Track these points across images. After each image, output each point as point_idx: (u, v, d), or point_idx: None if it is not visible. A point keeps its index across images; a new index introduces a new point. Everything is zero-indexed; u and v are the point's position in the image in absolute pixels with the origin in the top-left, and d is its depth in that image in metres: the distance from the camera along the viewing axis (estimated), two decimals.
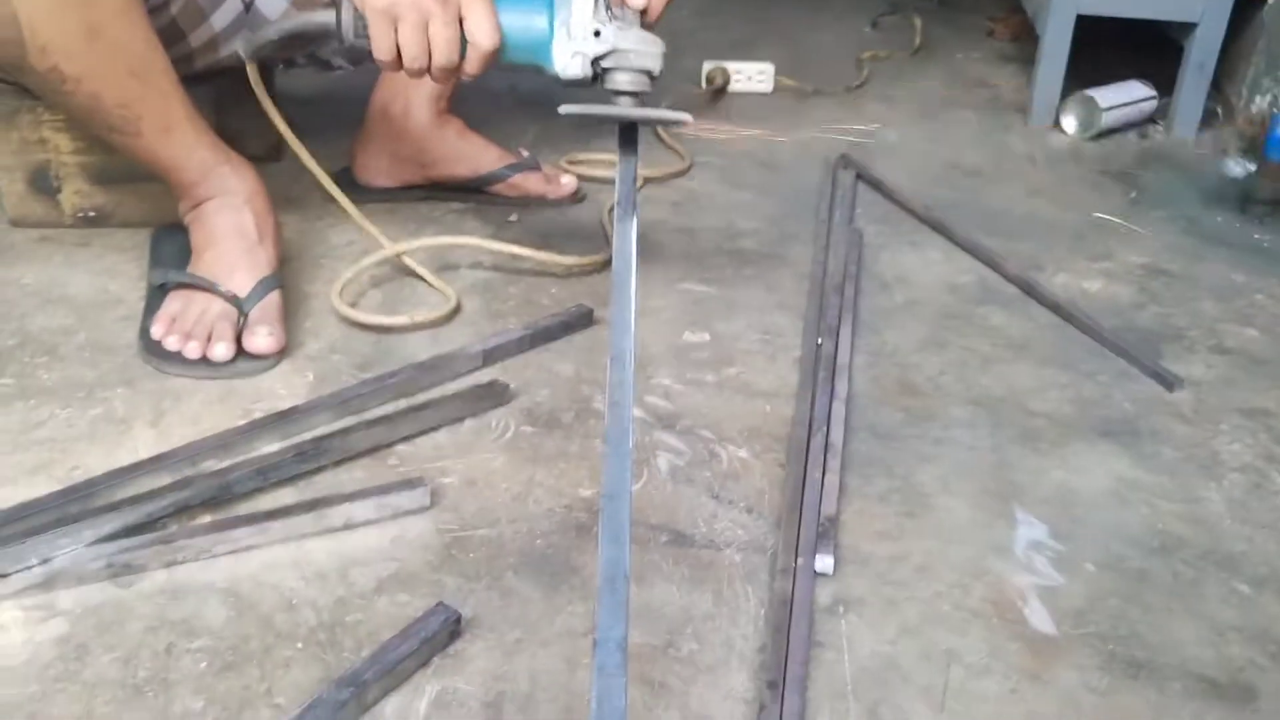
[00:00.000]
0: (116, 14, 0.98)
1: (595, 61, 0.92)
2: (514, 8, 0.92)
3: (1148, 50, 1.90)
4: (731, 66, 1.88)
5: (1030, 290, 1.23)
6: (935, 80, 2.02)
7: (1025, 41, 2.24)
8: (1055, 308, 1.19)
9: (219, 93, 1.37)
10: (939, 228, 1.37)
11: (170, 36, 1.14)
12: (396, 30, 0.91)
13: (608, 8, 0.92)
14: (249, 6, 1.23)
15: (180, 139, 1.06)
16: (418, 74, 0.94)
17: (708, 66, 1.88)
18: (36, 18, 0.94)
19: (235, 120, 1.44)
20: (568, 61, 0.92)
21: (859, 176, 1.52)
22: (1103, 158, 1.67)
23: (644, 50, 0.92)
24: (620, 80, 0.92)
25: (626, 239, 0.84)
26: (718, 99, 1.85)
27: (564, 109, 0.89)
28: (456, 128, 1.39)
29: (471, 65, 0.93)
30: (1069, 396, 1.05)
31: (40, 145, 1.26)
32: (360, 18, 0.93)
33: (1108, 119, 1.71)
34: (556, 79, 0.94)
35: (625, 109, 0.93)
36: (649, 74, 0.92)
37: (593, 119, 0.93)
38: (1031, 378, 1.08)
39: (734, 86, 1.88)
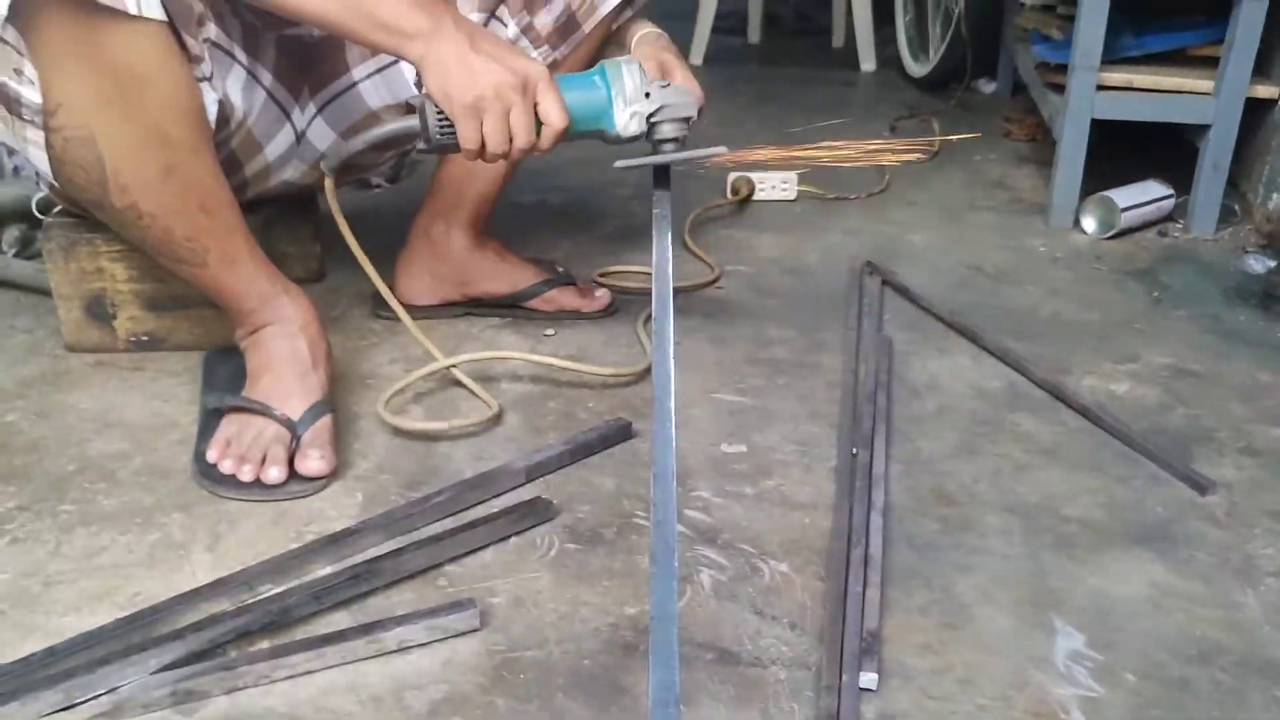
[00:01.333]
0: (190, 152, 1.04)
1: (648, 118, 1.06)
2: (575, 86, 1.05)
3: (1163, 149, 1.95)
4: (756, 176, 1.93)
5: (1059, 394, 1.25)
6: (955, 183, 2.07)
7: (1041, 142, 2.30)
8: (1084, 412, 1.21)
9: (267, 218, 1.43)
10: (966, 333, 1.40)
11: (228, 168, 1.20)
12: (481, 123, 0.99)
13: (644, 72, 1.07)
14: (300, 137, 1.29)
15: (242, 270, 1.12)
16: (498, 158, 1.03)
17: (733, 177, 1.94)
18: (119, 159, 1.00)
19: (281, 243, 1.50)
20: (627, 122, 1.06)
21: (885, 282, 1.55)
22: (1124, 257, 1.70)
23: (685, 102, 1.07)
24: (666, 130, 1.07)
25: (664, 253, 1.01)
26: (743, 208, 1.91)
27: (620, 164, 1.07)
28: (495, 248, 1.44)
29: (545, 143, 1.03)
30: (1102, 502, 1.07)
31: (97, 274, 1.32)
32: (442, 116, 1.01)
33: (1126, 218, 1.75)
34: (617, 139, 1.07)
35: (673, 154, 1.08)
36: (688, 120, 1.08)
37: (646, 167, 1.08)
38: (1064, 483, 1.10)
39: (759, 195, 1.93)
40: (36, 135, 0.98)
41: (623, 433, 1.16)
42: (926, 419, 1.21)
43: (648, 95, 1.06)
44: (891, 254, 1.69)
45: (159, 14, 0.95)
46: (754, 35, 3.73)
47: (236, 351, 1.19)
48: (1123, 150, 1.91)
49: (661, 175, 1.09)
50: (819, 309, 1.49)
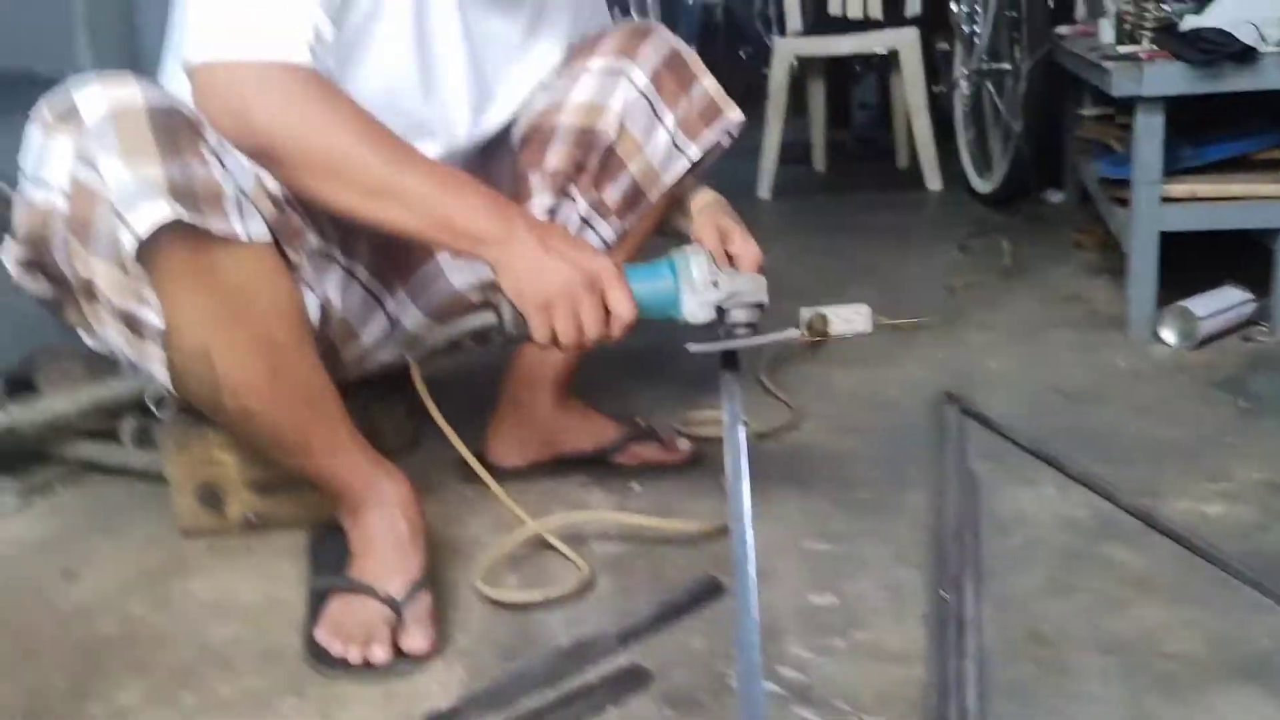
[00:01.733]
0: (294, 353, 1.12)
1: (717, 306, 1.09)
2: (644, 278, 1.08)
3: (1237, 251, 1.94)
4: (829, 311, 1.96)
5: (1150, 521, 1.24)
6: (1029, 300, 2.08)
7: (1114, 251, 2.30)
8: (1177, 538, 1.20)
9: (364, 396, 1.51)
10: (1050, 461, 1.40)
11: (327, 358, 1.28)
12: (552, 319, 1.03)
13: (713, 261, 1.09)
14: (393, 323, 1.37)
15: (345, 457, 1.18)
16: (571, 350, 1.08)
17: (806, 314, 1.96)
18: (231, 368, 1.08)
19: (376, 416, 1.58)
20: (696, 310, 1.09)
21: (965, 412, 1.56)
22: (1208, 367, 1.69)
23: (754, 288, 1.10)
24: (739, 316, 1.10)
25: (737, 457, 1.03)
26: (818, 345, 1.94)
27: (693, 348, 1.09)
28: (578, 407, 1.50)
29: (616, 333, 1.06)
30: (1202, 635, 1.05)
31: (209, 462, 1.40)
32: (518, 312, 1.05)
33: (1206, 327, 1.74)
34: (685, 325, 1.10)
35: (743, 340, 1.10)
36: (761, 306, 1.10)
37: (719, 353, 1.11)
38: (1161, 617, 1.08)
39: (833, 330, 1.96)
40: (158, 353, 1.07)
41: (712, 590, 1.18)
42: (1015, 555, 1.21)
43: (716, 284, 1.08)
44: (969, 381, 1.70)
45: (266, 237, 1.04)
46: (819, 163, 3.83)
47: (340, 529, 1.25)
48: (1196, 256, 1.91)
49: (730, 358, 1.11)
50: (901, 444, 1.51)
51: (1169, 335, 1.78)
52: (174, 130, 0.98)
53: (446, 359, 1.65)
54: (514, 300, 1.04)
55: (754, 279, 1.12)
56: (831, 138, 3.93)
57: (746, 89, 5.72)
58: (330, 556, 1.25)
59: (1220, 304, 1.77)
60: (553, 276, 1.01)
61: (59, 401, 1.61)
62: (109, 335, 1.09)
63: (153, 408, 1.45)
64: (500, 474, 1.48)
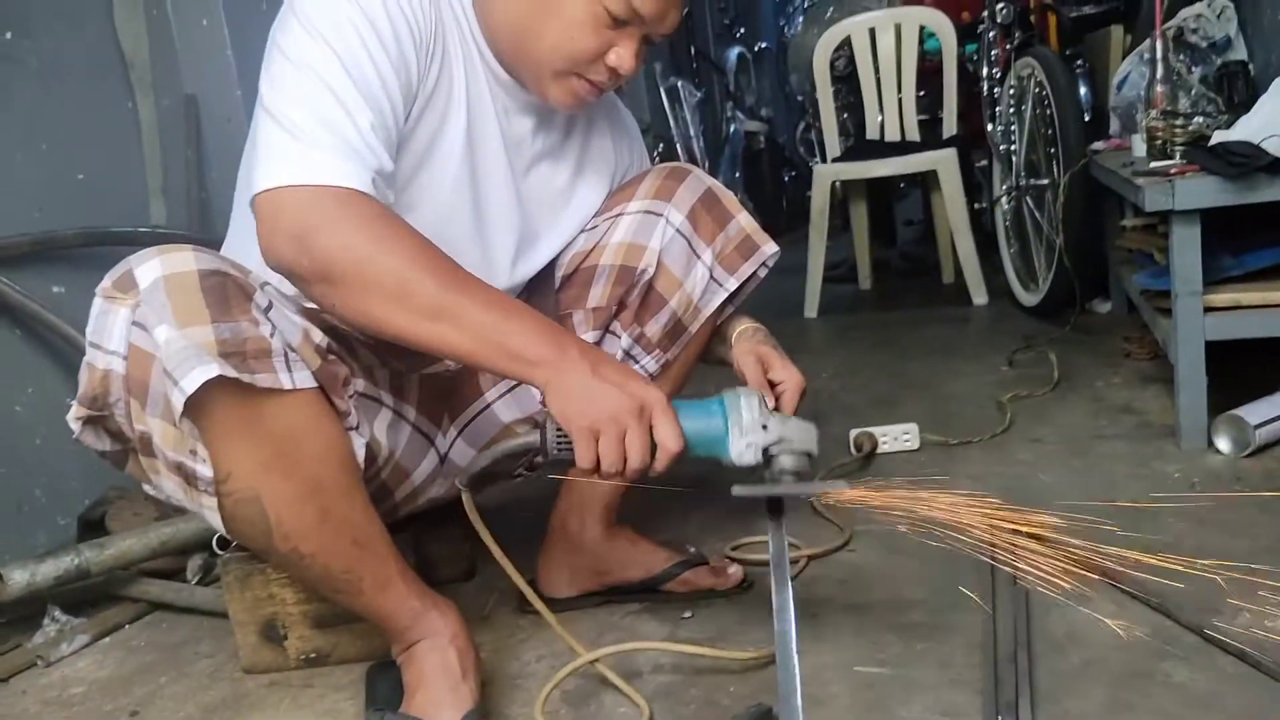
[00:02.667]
0: (342, 495, 1.16)
1: (764, 449, 1.07)
2: (693, 413, 1.07)
3: None
4: (878, 431, 1.98)
5: (1210, 638, 1.21)
6: (1080, 413, 2.07)
7: (1165, 359, 2.29)
8: (1241, 655, 1.17)
9: (417, 527, 1.55)
10: (1105, 575, 1.38)
11: (379, 496, 1.31)
12: (598, 442, 1.03)
13: (764, 404, 1.08)
14: (443, 460, 1.41)
15: (394, 592, 1.21)
16: (614, 477, 1.05)
17: (855, 433, 1.99)
18: (281, 512, 1.12)
19: (431, 547, 1.61)
20: (742, 451, 1.07)
21: (1017, 529, 1.55)
22: (1265, 475, 1.67)
23: (804, 436, 1.09)
24: (786, 463, 1.08)
25: (786, 616, 1.03)
26: (867, 463, 1.95)
27: (737, 491, 1.05)
28: (628, 535, 1.51)
29: (660, 465, 1.06)
30: None
31: (269, 600, 1.43)
32: (561, 434, 1.06)
33: (1262, 435, 1.72)
34: (731, 465, 1.08)
35: (789, 487, 1.08)
36: (809, 454, 1.09)
37: (764, 498, 1.09)
38: None
39: (882, 449, 1.98)
40: (210, 501, 1.11)
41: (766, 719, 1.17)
42: (1071, 676, 1.19)
43: (765, 427, 1.07)
44: (1021, 496, 1.67)
45: (310, 384, 1.09)
46: (864, 282, 3.87)
47: (395, 664, 1.26)
48: (1247, 360, 1.90)
49: (775, 505, 1.10)
50: (952, 564, 1.49)
51: (1223, 444, 1.77)
52: (224, 293, 1.04)
53: (495, 489, 1.69)
54: (561, 422, 1.04)
55: (804, 427, 1.10)
56: (876, 255, 3.98)
57: (791, 210, 5.88)
58: (386, 691, 1.26)
59: (1274, 410, 1.75)
60: (602, 401, 1.02)
61: (129, 542, 1.66)
62: (166, 485, 1.14)
63: (217, 547, 1.49)
64: (552, 604, 1.50)
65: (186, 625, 1.64)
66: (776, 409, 1.44)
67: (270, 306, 1.07)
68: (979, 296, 3.30)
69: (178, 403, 1.00)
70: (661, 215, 1.40)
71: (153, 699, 1.42)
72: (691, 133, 5.03)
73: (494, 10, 1.24)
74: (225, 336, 1.02)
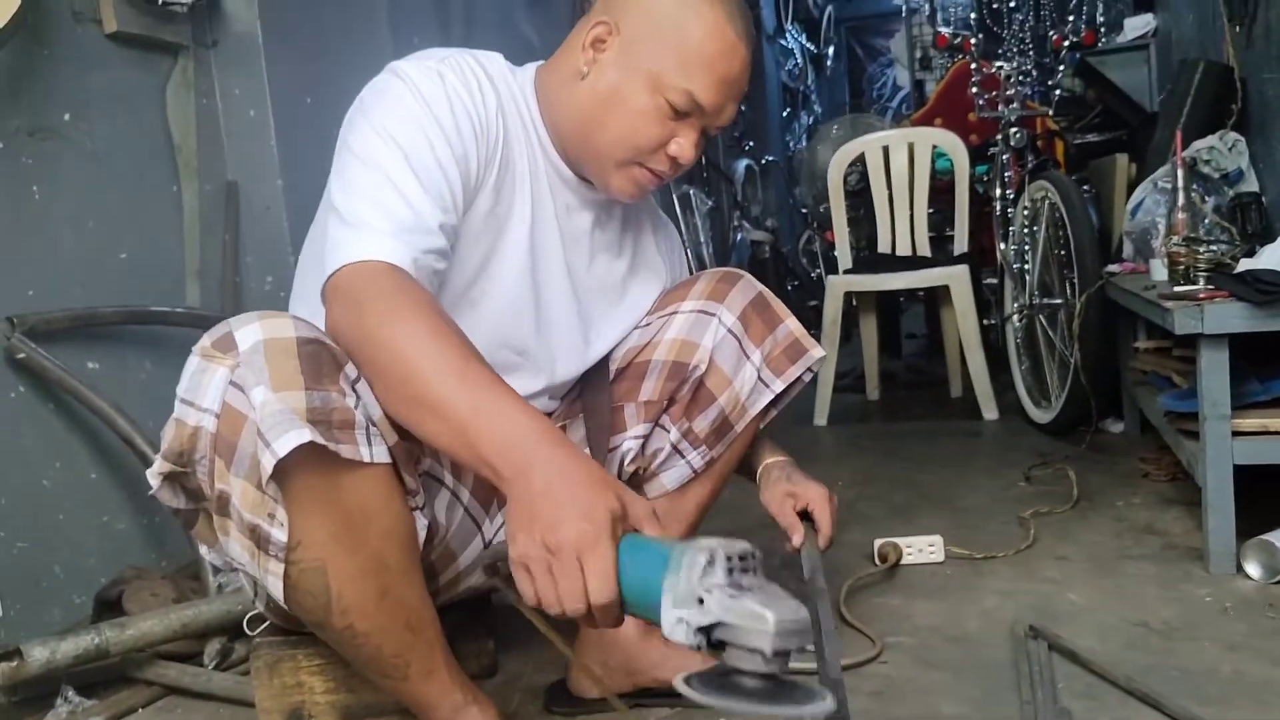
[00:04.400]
0: (402, 575, 1.15)
1: (705, 631, 0.81)
2: (634, 561, 0.88)
3: None
4: (902, 542, 1.98)
5: None
6: (1103, 533, 2.07)
7: (1184, 481, 2.30)
8: None
9: (449, 620, 1.53)
10: (1148, 700, 1.37)
11: (425, 578, 1.31)
12: (532, 579, 0.93)
13: (730, 571, 0.81)
14: (488, 545, 1.41)
15: (439, 682, 1.19)
16: (562, 618, 0.93)
17: (879, 543, 1.99)
18: (344, 585, 1.11)
19: (457, 641, 1.59)
20: (673, 627, 0.83)
21: (1052, 647, 1.54)
22: None
23: (755, 626, 0.78)
24: (734, 657, 0.79)
25: None
26: (892, 574, 1.94)
27: (679, 686, 0.80)
28: (661, 636, 1.49)
29: (598, 615, 0.91)
30: None
31: (297, 688, 1.40)
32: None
33: None
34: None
35: (739, 706, 0.78)
36: (760, 653, 0.78)
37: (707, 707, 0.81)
38: None
39: (907, 559, 1.97)
40: (277, 568, 1.11)
41: None
42: None
43: (701, 601, 0.80)
44: (1051, 614, 1.69)
45: (386, 459, 1.10)
46: (872, 392, 3.90)
47: None
48: (1271, 486, 1.91)
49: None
50: (989, 679, 1.48)
51: (1253, 569, 1.77)
52: (318, 361, 1.06)
53: None
54: (509, 547, 0.95)
55: (756, 615, 0.78)
56: (882, 366, 4.02)
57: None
58: None
59: None
60: (540, 533, 0.91)
61: (150, 623, 1.64)
62: (232, 548, 1.13)
63: (247, 629, 1.47)
64: (581, 704, 1.48)
65: (202, 712, 1.61)
66: (801, 548, 1.47)
67: (359, 379, 1.09)
68: (989, 412, 3.32)
69: (268, 464, 1.01)
70: (714, 315, 1.43)
71: None
72: (702, 239, 5.12)
73: (559, 105, 1.31)
74: (315, 404, 1.04)
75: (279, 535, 1.09)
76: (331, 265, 1.11)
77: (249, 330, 1.06)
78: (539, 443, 0.96)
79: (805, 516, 1.51)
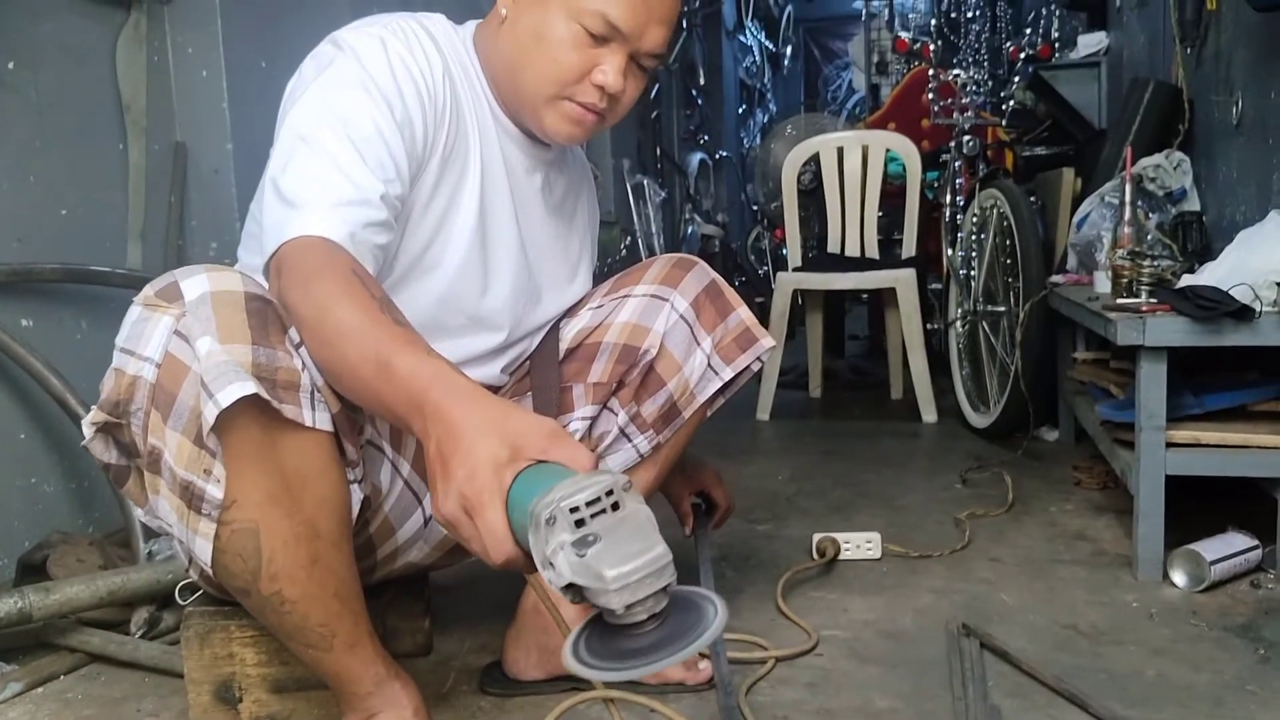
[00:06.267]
0: (333, 545, 1.13)
1: (569, 588, 0.78)
2: (518, 509, 0.82)
3: (1236, 494, 1.99)
4: (841, 537, 2.00)
5: None
6: (1036, 537, 2.11)
7: (1116, 489, 2.36)
8: None
9: (385, 597, 1.51)
10: (1075, 700, 1.39)
11: (362, 552, 1.29)
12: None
13: (578, 523, 0.78)
14: (428, 521, 1.39)
15: (363, 655, 1.18)
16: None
17: (818, 538, 2.00)
18: (275, 549, 1.10)
19: (392, 619, 1.57)
20: (551, 575, 0.79)
21: (983, 646, 1.57)
22: (1220, 611, 1.71)
23: (595, 587, 0.77)
24: (603, 612, 0.78)
25: None
26: (830, 568, 1.95)
27: (567, 655, 0.80)
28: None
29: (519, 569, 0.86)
30: None
31: (228, 659, 1.38)
32: None
33: (1216, 571, 1.77)
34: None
35: (631, 662, 0.78)
36: (614, 612, 0.77)
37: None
38: None
39: (844, 555, 1.99)
40: (209, 528, 1.09)
41: None
42: None
43: (552, 565, 0.78)
44: (983, 614, 1.71)
45: (328, 426, 1.08)
46: (815, 390, 3.93)
47: None
48: (1200, 497, 1.96)
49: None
50: (921, 675, 1.50)
51: (1179, 578, 1.81)
52: (265, 318, 1.04)
53: (458, 566, 1.66)
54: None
55: (609, 566, 0.76)
56: (826, 365, 4.06)
57: None
58: None
59: (1228, 549, 1.80)
60: (438, 497, 0.87)
61: (76, 589, 1.60)
62: (161, 507, 1.11)
63: (179, 598, 1.44)
64: (517, 687, 1.47)
65: (127, 680, 1.57)
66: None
67: (301, 344, 1.07)
68: (929, 414, 3.37)
69: (210, 415, 0.99)
70: (667, 300, 1.43)
71: None
72: (653, 229, 5.13)
73: (491, 56, 1.31)
74: (261, 360, 1.02)
75: (214, 492, 1.06)
76: (270, 245, 1.09)
77: (196, 281, 1.05)
78: (429, 396, 0.91)
79: (704, 497, 1.75)
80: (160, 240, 2.27)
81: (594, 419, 1.46)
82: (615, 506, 0.79)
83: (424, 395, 0.91)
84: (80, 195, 2.08)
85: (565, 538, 0.78)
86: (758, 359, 1.49)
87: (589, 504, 0.78)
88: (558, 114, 1.27)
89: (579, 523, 0.78)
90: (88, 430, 1.10)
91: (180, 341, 1.03)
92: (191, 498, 1.08)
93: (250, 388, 1.00)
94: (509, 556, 0.83)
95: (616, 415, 1.46)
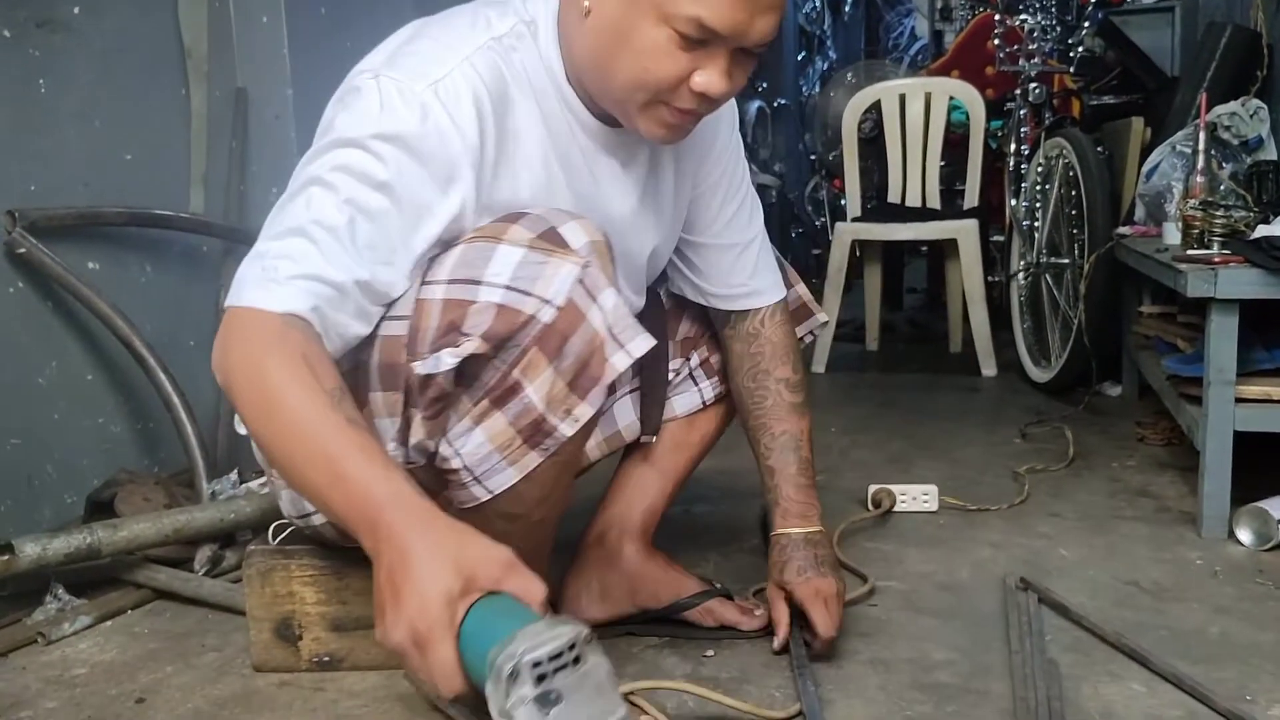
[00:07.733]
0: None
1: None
2: (472, 647, 0.81)
3: None
4: (897, 489, 1.98)
5: None
6: (1097, 493, 2.08)
7: (1180, 446, 2.31)
8: None
9: None
10: (1135, 655, 1.37)
11: None
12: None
13: (540, 678, 0.76)
14: None
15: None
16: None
17: (873, 489, 1.99)
18: (564, 481, 1.26)
19: None
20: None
21: (1042, 600, 1.55)
22: None
23: None
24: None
25: None
26: (885, 520, 1.94)
27: None
28: (662, 559, 1.51)
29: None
30: None
31: (289, 597, 1.40)
32: None
33: None
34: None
35: None
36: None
37: None
38: None
39: (900, 507, 1.97)
40: (533, 460, 1.17)
41: None
42: None
43: (511, 717, 0.77)
44: (1041, 568, 1.69)
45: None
46: (872, 343, 3.88)
47: None
48: (1268, 455, 1.91)
49: None
50: (978, 628, 1.49)
51: (1244, 535, 1.77)
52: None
53: None
54: None
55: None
56: (884, 318, 4.01)
57: (796, 267, 5.91)
58: None
59: None
60: (386, 626, 0.85)
61: (143, 526, 1.63)
62: (475, 437, 1.16)
63: (270, 536, 1.44)
64: None
65: (191, 616, 1.61)
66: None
67: None
68: (988, 368, 3.32)
69: (620, 364, 1.12)
70: None
71: (159, 687, 1.39)
72: None
73: (574, 49, 1.16)
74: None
75: (564, 430, 1.14)
76: (232, 298, 1.01)
77: (572, 228, 1.11)
78: (383, 517, 0.88)
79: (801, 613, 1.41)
80: (222, 185, 2.29)
81: (679, 370, 1.55)
82: (577, 660, 0.78)
83: (378, 514, 0.88)
84: (143, 140, 2.11)
85: (527, 693, 0.76)
86: (811, 332, 1.61)
87: (551, 658, 0.77)
88: (653, 120, 1.15)
89: (541, 677, 0.77)
90: (451, 360, 1.08)
91: (582, 290, 1.10)
92: (535, 432, 1.14)
93: (651, 340, 1.13)
94: (459, 693, 0.82)
95: (689, 360, 1.55)
